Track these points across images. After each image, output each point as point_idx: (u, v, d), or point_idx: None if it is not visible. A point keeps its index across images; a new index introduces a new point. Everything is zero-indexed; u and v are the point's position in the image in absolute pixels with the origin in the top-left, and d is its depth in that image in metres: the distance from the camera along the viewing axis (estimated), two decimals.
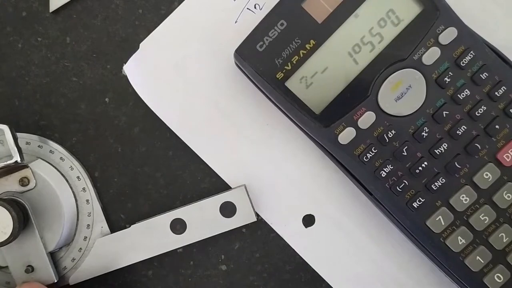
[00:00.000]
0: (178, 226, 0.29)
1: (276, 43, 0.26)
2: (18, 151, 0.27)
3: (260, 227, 0.30)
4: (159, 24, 0.29)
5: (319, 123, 0.26)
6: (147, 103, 0.30)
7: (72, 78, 0.30)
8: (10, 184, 0.29)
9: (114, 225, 0.31)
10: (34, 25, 0.30)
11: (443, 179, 0.26)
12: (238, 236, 0.30)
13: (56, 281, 0.29)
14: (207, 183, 0.30)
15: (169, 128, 0.30)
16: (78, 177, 0.30)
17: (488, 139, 0.26)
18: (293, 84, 0.26)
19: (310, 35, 0.25)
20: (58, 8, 0.30)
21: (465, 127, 0.26)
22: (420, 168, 0.26)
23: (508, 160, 0.26)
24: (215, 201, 0.29)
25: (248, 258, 0.30)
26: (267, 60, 0.26)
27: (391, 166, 0.26)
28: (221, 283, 0.31)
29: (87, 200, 0.30)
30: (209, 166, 0.30)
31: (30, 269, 0.29)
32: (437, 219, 0.26)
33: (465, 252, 0.26)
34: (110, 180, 0.31)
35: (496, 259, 0.26)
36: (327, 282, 0.30)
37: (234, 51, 0.26)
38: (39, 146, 0.30)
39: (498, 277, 0.26)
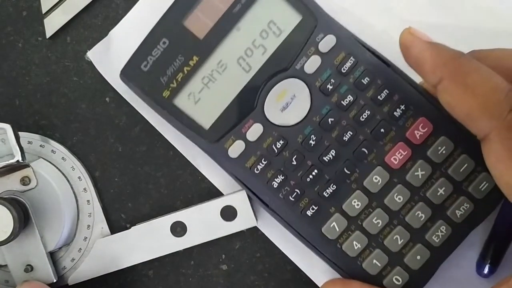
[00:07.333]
0: (178, 229, 0.29)
1: (160, 61, 0.26)
2: (20, 150, 0.27)
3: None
4: None
5: (209, 138, 0.26)
6: (114, 87, 0.30)
7: (73, 78, 0.30)
8: (11, 183, 0.28)
9: (115, 225, 0.31)
10: (34, 25, 0.30)
11: (334, 186, 0.26)
12: (238, 236, 0.30)
13: (55, 280, 0.29)
14: (207, 182, 0.30)
15: None
16: (79, 178, 0.30)
17: (375, 143, 0.26)
18: (181, 101, 0.26)
19: (192, 51, 0.26)
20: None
21: (351, 133, 0.26)
22: (310, 176, 0.26)
23: (396, 162, 0.26)
24: (216, 205, 0.29)
25: (249, 257, 0.30)
26: (152, 79, 0.26)
27: (282, 176, 0.26)
28: (221, 283, 0.31)
29: (88, 201, 0.30)
30: None
31: (29, 268, 0.28)
32: (331, 225, 0.26)
33: (362, 256, 0.26)
34: (110, 179, 0.31)
35: (393, 262, 0.26)
36: None
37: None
38: (41, 146, 0.30)
39: (396, 279, 0.26)
